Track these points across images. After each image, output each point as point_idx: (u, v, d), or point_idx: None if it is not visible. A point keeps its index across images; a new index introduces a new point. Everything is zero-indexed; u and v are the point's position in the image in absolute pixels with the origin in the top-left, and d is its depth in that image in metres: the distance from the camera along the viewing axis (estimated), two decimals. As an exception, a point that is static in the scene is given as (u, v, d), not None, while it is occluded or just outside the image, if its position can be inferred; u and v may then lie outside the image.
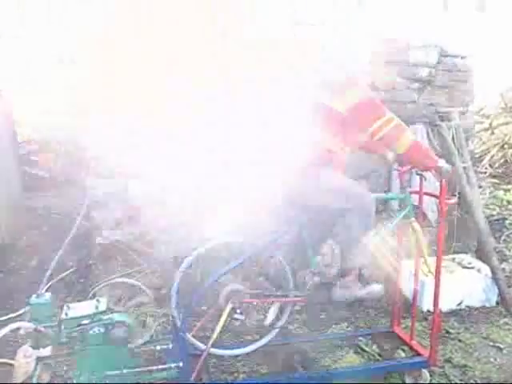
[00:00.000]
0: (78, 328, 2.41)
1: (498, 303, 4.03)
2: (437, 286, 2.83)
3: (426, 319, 3.73)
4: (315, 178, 2.63)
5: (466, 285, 3.99)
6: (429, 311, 3.82)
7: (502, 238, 5.39)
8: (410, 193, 2.94)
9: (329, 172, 2.67)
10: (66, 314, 2.43)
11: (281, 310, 2.95)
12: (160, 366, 2.52)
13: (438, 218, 4.41)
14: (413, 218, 2.93)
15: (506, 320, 3.79)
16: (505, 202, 6.67)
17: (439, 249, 2.80)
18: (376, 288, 2.84)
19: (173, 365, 2.52)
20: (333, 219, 2.79)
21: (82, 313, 2.45)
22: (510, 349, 3.40)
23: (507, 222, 5.92)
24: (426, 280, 3.55)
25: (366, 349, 3.33)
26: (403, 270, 3.16)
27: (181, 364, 2.51)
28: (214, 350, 2.79)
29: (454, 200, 2.83)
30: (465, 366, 3.16)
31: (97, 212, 3.85)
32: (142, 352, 2.75)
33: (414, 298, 3.09)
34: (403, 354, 3.14)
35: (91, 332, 2.44)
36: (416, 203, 2.97)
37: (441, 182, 2.73)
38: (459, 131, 4.51)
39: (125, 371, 2.47)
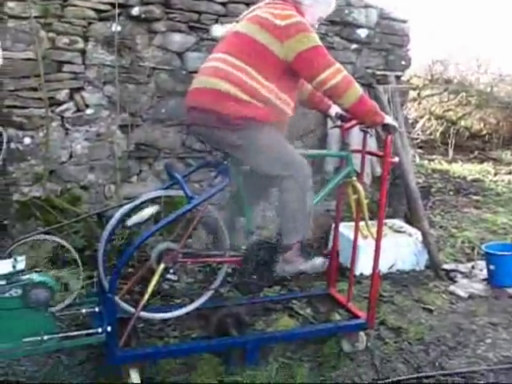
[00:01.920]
0: (-8, 290, 2.14)
1: (427, 267, 4.10)
2: (377, 248, 2.77)
3: (359, 282, 3.72)
4: (256, 138, 2.45)
5: (397, 249, 4.02)
6: (361, 274, 3.82)
7: (429, 204, 5.53)
8: (352, 151, 2.85)
9: (271, 132, 2.49)
10: (-23, 275, 2.15)
11: (214, 271, 2.79)
12: (85, 331, 2.30)
13: (372, 180, 4.43)
14: (354, 178, 2.84)
15: (435, 283, 3.85)
16: (430, 171, 6.88)
17: (381, 210, 2.73)
18: (318, 262, 2.71)
19: (99, 329, 2.30)
20: (269, 182, 2.65)
21: (-5, 273, 2.18)
22: (440, 311, 3.45)
23: (432, 189, 6.09)
24: (360, 243, 3.52)
25: (301, 312, 3.27)
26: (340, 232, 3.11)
27: (109, 328, 2.30)
28: (143, 314, 2.59)
29: (398, 159, 2.75)
30: (399, 327, 3.16)
31: (14, 166, 3.50)
32: (64, 317, 2.52)
33: (353, 260, 3.03)
34: (339, 317, 3.09)
35: (7, 294, 2.17)
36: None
37: (386, 139, 2.64)
38: (395, 95, 4.49)
39: (45, 337, 2.22)
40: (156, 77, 3.74)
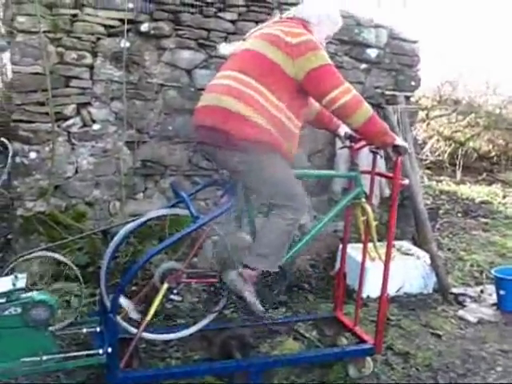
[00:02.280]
0: (-10, 308, 2.09)
1: (435, 290, 4.01)
2: (386, 270, 2.71)
3: (366, 305, 3.65)
4: (263, 165, 2.39)
5: (405, 271, 3.94)
6: (368, 297, 3.75)
7: (437, 226, 5.46)
8: (361, 172, 2.80)
9: (279, 162, 2.43)
10: (-23, 292, 2.10)
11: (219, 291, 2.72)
12: (86, 352, 2.24)
13: (381, 202, 4.37)
14: (363, 200, 2.79)
15: (443, 307, 3.77)
16: (437, 192, 6.81)
17: (390, 233, 2.68)
18: (260, 308, 2.53)
19: (100, 350, 2.24)
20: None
21: (-4, 291, 2.13)
22: (449, 336, 3.36)
23: (440, 211, 6.02)
24: (367, 265, 3.46)
25: (306, 335, 3.19)
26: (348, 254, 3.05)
27: (109, 349, 2.24)
28: (145, 334, 2.53)
29: (408, 181, 2.70)
30: (407, 353, 3.08)
31: (19, 181, 3.47)
32: (65, 336, 2.46)
33: (361, 282, 2.96)
34: (345, 341, 3.02)
35: (6, 312, 2.12)
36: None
37: (396, 160, 2.59)
38: (404, 116, 4.45)
39: (44, 357, 2.16)
40: (164, 93, 3.73)
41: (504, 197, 6.74)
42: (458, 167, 7.01)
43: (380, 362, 2.95)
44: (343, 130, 2.87)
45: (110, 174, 3.69)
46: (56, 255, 2.34)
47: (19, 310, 2.14)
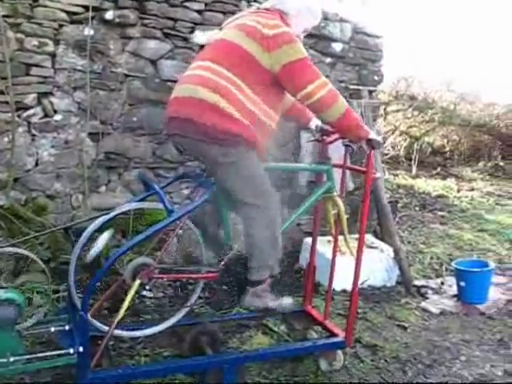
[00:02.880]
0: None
1: (397, 283, 4.08)
2: (358, 264, 2.73)
3: (332, 299, 3.67)
4: (238, 160, 2.35)
5: (370, 264, 3.99)
6: (334, 290, 3.77)
7: (396, 220, 5.56)
8: (333, 166, 2.80)
9: (254, 158, 2.39)
10: None
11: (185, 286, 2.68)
12: (55, 352, 2.15)
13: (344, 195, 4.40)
14: (335, 193, 2.79)
15: (407, 299, 3.83)
16: (395, 186, 6.94)
17: (363, 226, 2.69)
18: (288, 302, 2.64)
19: (71, 350, 2.16)
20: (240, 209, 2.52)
21: (-41, 290, 2.02)
22: (414, 327, 3.43)
23: (399, 205, 6.14)
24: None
25: (275, 329, 3.18)
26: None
27: (81, 349, 2.15)
28: (117, 332, 2.45)
29: (380, 174, 2.72)
30: (375, 345, 3.11)
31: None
32: (29, 335, 2.36)
33: (331, 275, 2.97)
34: (315, 335, 3.03)
35: (-30, 313, 2.02)
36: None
37: (369, 154, 2.61)
38: (368, 110, 4.50)
39: (12, 359, 2.06)
40: (128, 84, 3.62)
41: (458, 191, 6.94)
42: (413, 162, 7.16)
43: (349, 355, 2.98)
44: (314, 123, 2.86)
45: (72, 167, 3.56)
46: (20, 250, 2.23)
47: (-16, 309, 2.04)
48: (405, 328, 3.40)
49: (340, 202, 2.78)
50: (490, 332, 3.44)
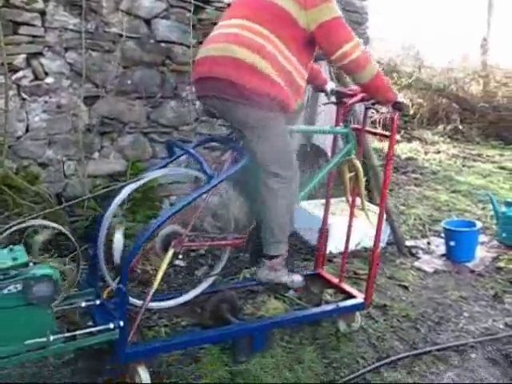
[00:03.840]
0: (-13, 286, 1.84)
1: (388, 243, 4.17)
2: (379, 224, 2.77)
3: (330, 261, 3.71)
4: (272, 124, 2.29)
5: (362, 226, 4.04)
6: (330, 253, 3.81)
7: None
8: (353, 129, 2.79)
9: (285, 126, 2.36)
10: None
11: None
12: (97, 328, 2.05)
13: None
14: (353, 156, 2.79)
15: (401, 260, 3.93)
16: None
17: (384, 190, 2.73)
18: (298, 279, 2.62)
19: (111, 325, 2.07)
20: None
21: (-4, 266, 1.87)
22: (414, 287, 3.52)
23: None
24: (332, 221, 3.53)
25: (285, 294, 3.19)
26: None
27: (121, 323, 2.07)
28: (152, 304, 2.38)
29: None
30: (384, 305, 3.18)
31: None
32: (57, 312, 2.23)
33: (348, 237, 3.01)
34: (329, 297, 3.06)
35: (5, 291, 1.87)
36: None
37: (394, 118, 2.60)
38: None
39: (51, 338, 1.95)
40: (122, 45, 3.42)
41: (426, 153, 7.11)
42: (378, 125, 7.23)
43: (363, 316, 3.03)
44: (329, 85, 2.83)
45: (65, 132, 3.36)
46: (54, 224, 2.08)
47: (19, 287, 1.90)
48: (406, 288, 3.49)
49: (359, 164, 2.79)
50: (483, 288, 3.59)
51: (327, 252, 3.73)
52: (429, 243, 4.27)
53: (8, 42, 3.03)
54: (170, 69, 3.57)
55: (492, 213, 4.80)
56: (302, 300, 3.13)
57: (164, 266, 2.25)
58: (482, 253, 4.13)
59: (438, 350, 2.80)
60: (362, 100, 2.68)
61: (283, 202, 2.38)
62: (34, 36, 3.13)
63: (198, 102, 3.69)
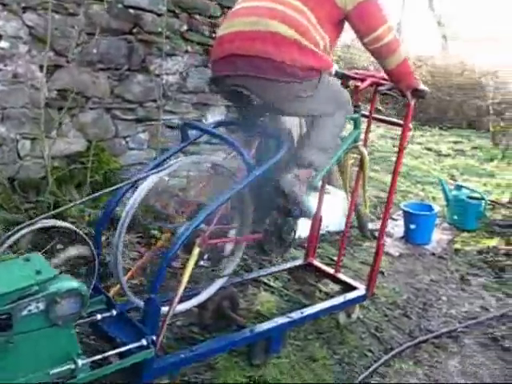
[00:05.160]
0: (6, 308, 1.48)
1: (351, 227, 4.14)
2: (386, 213, 2.70)
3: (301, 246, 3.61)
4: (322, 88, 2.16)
5: (327, 210, 3.97)
6: (300, 237, 3.69)
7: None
8: (362, 115, 2.67)
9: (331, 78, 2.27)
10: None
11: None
12: (128, 346, 1.75)
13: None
14: (360, 142, 2.69)
15: (368, 244, 3.93)
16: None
17: (395, 177, 2.66)
18: (311, 211, 2.50)
19: (143, 341, 1.78)
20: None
21: (17, 284, 1.50)
22: (388, 272, 3.54)
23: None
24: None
25: (273, 285, 3.04)
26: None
27: (154, 338, 1.80)
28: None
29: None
30: (370, 293, 3.16)
31: None
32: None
33: (347, 225, 2.91)
34: (324, 289, 2.96)
35: (25, 312, 1.53)
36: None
37: (410, 105, 2.52)
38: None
39: (80, 363, 1.62)
40: (87, 7, 2.97)
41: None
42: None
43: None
44: (334, 68, 2.67)
45: (20, 107, 2.87)
46: (67, 224, 1.73)
47: (42, 306, 1.56)
48: (382, 273, 3.49)
49: (365, 150, 2.72)
50: (449, 271, 3.71)
51: (303, 237, 3.62)
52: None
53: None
54: (138, 38, 3.18)
55: (436, 195, 4.99)
56: (296, 291, 3.00)
57: (190, 268, 1.99)
58: (437, 235, 4.26)
59: (435, 338, 2.82)
60: (372, 84, 2.58)
61: (334, 127, 2.33)
62: (-14, -9, 2.61)
63: (167, 77, 3.36)
